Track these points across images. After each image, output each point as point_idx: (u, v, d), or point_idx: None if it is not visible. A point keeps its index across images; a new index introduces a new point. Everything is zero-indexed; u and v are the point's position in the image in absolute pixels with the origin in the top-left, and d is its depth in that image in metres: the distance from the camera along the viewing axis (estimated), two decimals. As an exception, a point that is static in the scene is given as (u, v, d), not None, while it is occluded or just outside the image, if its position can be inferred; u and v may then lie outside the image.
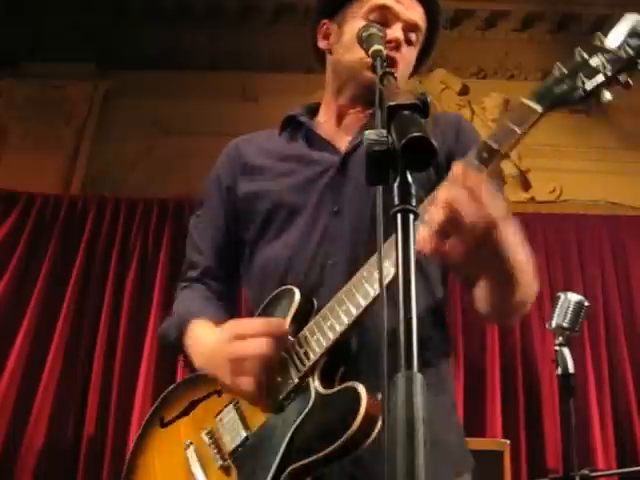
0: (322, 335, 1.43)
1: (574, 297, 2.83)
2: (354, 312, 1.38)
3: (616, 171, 5.29)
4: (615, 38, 1.29)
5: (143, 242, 4.95)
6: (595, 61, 1.30)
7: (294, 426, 1.40)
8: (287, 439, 1.39)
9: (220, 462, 1.50)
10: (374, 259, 1.37)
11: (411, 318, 0.88)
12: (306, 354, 1.44)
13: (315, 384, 1.42)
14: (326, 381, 1.43)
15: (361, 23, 1.70)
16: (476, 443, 3.46)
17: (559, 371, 2.71)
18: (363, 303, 1.37)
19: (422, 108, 1.02)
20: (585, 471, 2.68)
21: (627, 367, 4.47)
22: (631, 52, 1.27)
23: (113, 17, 5.70)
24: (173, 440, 1.62)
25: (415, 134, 0.93)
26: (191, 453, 1.57)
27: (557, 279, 4.66)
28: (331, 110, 1.83)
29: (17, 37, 5.55)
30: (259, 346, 1.41)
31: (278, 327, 1.45)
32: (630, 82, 1.31)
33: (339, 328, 1.41)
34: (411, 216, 0.93)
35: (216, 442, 1.53)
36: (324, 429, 1.37)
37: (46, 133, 5.43)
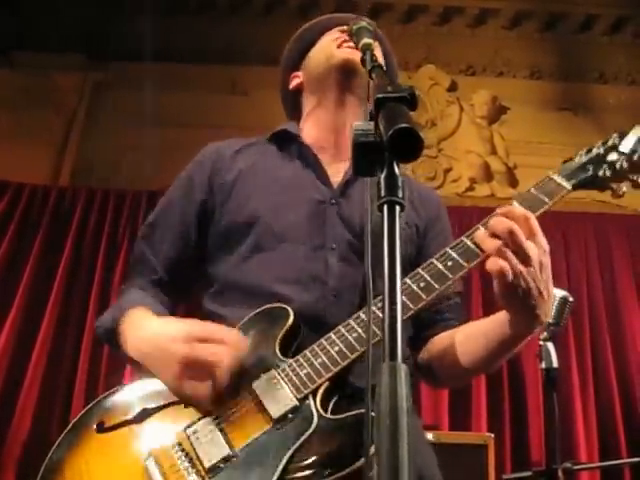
0: (329, 359, 1.42)
1: (559, 293, 2.84)
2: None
3: (602, 169, 5.32)
4: (627, 144, 1.52)
5: (131, 234, 4.94)
6: (611, 157, 1.53)
7: (294, 446, 1.36)
8: (286, 458, 1.35)
9: (193, 477, 1.39)
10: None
11: (396, 308, 0.89)
12: (308, 375, 1.42)
13: (317, 407, 1.40)
14: (323, 405, 1.41)
15: (326, 38, 1.81)
16: (461, 437, 3.52)
17: (543, 365, 2.73)
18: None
19: (410, 100, 1.02)
20: (567, 464, 2.71)
21: (610, 362, 4.51)
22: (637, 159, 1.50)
23: (104, 9, 5.67)
24: (120, 447, 1.47)
25: (402, 125, 0.93)
26: (152, 464, 1.42)
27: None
28: (320, 127, 1.81)
29: (8, 27, 5.51)
30: (222, 353, 1.37)
31: (238, 341, 1.42)
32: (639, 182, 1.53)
33: (351, 355, 1.41)
34: (397, 207, 0.94)
35: (188, 456, 1.42)
36: (331, 454, 1.35)
37: (36, 123, 5.40)
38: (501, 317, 1.45)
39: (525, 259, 1.31)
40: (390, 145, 0.94)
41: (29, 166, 5.22)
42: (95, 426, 1.51)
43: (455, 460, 3.20)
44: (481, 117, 5.58)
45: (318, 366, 1.42)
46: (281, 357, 1.47)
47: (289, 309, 1.51)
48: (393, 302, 0.89)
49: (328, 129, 1.80)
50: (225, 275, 1.68)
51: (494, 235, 1.34)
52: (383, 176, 0.96)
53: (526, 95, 5.63)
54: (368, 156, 1.00)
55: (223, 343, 1.39)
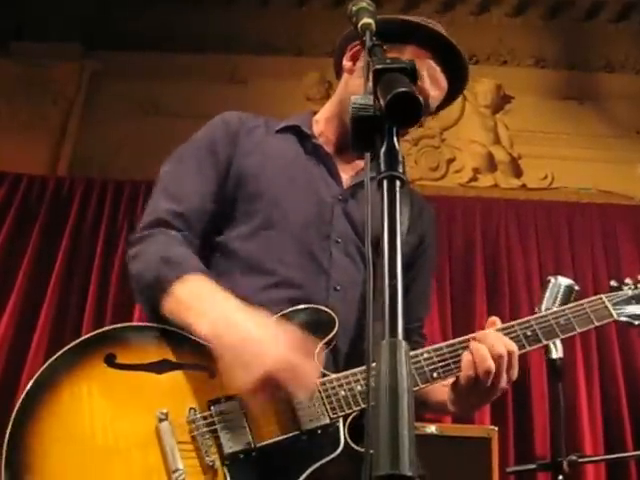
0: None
1: (564, 281, 2.79)
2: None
3: (607, 159, 5.27)
4: None
5: (130, 225, 4.90)
6: None
7: (316, 465, 1.38)
8: (306, 474, 1.36)
9: (211, 458, 1.35)
10: None
11: (396, 284, 0.86)
12: (346, 399, 1.44)
13: (345, 433, 1.42)
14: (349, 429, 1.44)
15: None
16: (464, 430, 3.49)
17: (548, 355, 2.69)
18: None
19: (410, 73, 1.01)
20: (573, 457, 2.66)
21: (616, 352, 4.46)
22: None
23: (101, -2, 5.64)
24: (132, 393, 1.39)
25: (401, 89, 0.93)
26: (167, 429, 1.34)
27: (547, 266, 4.64)
28: (332, 130, 1.81)
29: (4, 17, 5.48)
30: (306, 381, 1.37)
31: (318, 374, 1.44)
32: None
33: None
34: (397, 182, 0.93)
35: (211, 435, 1.37)
36: None
37: (33, 113, 5.40)
38: (443, 399, 1.59)
39: (491, 384, 1.47)
40: (389, 111, 0.93)
41: (27, 156, 5.20)
42: (105, 356, 1.42)
43: (458, 453, 3.19)
44: (485, 106, 5.52)
45: (357, 394, 1.44)
46: (319, 367, 1.46)
47: (336, 318, 1.50)
48: (393, 277, 0.87)
49: (346, 139, 1.73)
50: (227, 244, 1.65)
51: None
52: (383, 151, 0.95)
53: (530, 84, 5.57)
54: (367, 131, 0.98)
55: (312, 371, 1.40)
